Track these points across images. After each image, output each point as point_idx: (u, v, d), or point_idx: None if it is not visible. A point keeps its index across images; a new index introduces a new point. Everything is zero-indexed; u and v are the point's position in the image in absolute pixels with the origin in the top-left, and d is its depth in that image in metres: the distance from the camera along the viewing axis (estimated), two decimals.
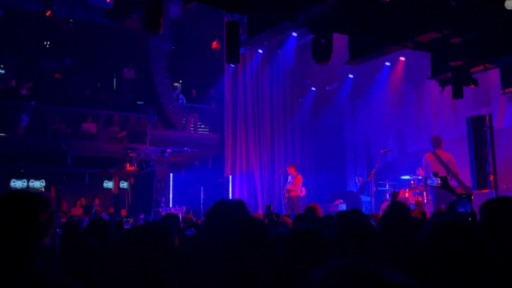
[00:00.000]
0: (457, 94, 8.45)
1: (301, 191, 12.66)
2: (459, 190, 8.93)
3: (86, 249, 3.79)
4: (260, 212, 11.72)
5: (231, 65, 14.97)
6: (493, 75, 11.30)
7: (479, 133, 8.96)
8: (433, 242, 2.05)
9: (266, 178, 15.99)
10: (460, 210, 4.11)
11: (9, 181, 15.59)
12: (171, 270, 2.71)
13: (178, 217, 5.39)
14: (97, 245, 3.88)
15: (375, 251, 2.68)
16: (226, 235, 2.29)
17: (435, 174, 8.92)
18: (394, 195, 7.64)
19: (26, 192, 2.10)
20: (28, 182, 16.16)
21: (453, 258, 2.01)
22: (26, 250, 1.95)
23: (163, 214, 14.35)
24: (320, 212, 6.44)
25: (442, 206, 9.19)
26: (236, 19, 7.04)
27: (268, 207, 6.81)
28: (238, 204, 2.90)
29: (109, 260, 3.47)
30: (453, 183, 9.61)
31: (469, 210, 4.13)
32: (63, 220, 10.39)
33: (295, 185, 12.39)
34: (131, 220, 5.47)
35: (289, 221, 6.78)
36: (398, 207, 5.36)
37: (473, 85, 8.78)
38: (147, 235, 2.53)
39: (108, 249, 3.83)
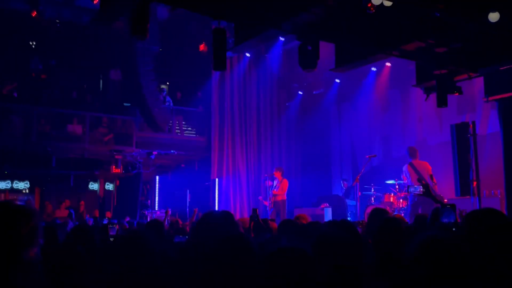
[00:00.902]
0: (442, 102, 8.55)
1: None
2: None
3: (69, 257, 3.74)
4: (246, 216, 11.75)
5: None
6: (478, 82, 11.44)
7: (463, 140, 9.07)
8: (420, 261, 2.09)
9: (252, 181, 16.00)
10: (444, 220, 4.17)
11: None
12: (156, 281, 2.72)
13: (163, 224, 5.39)
14: (81, 253, 3.85)
15: (359, 267, 2.71)
16: (211, 252, 2.30)
17: (419, 181, 9.01)
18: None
19: (8, 204, 2.07)
20: (12, 183, 16.00)
21: (440, 274, 2.08)
22: (7, 264, 1.92)
23: (148, 217, 14.32)
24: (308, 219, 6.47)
25: (419, 211, 9.33)
26: (224, 24, 7.06)
27: (254, 211, 6.82)
28: (225, 217, 2.89)
29: (93, 269, 3.45)
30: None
31: (453, 221, 4.19)
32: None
33: (282, 189, 12.44)
34: (117, 226, 5.45)
35: (275, 225, 6.81)
36: (382, 213, 5.40)
37: (457, 94, 8.89)
38: (129, 248, 2.54)
39: (92, 257, 3.80)
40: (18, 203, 2.18)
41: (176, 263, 3.46)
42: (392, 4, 5.49)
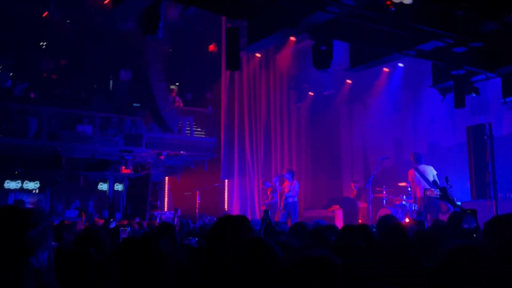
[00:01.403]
0: (459, 103, 8.40)
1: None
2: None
3: (79, 259, 3.66)
4: (256, 218, 11.68)
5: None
6: (491, 83, 11.25)
7: (479, 142, 8.91)
8: (448, 269, 2.03)
9: (262, 183, 15.89)
10: (465, 226, 4.06)
11: (3, 183, 15.45)
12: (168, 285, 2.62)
13: (175, 227, 5.29)
14: (92, 255, 3.76)
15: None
16: (228, 256, 2.20)
17: (435, 184, 8.86)
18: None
19: (16, 207, 2.00)
20: (22, 183, 16.01)
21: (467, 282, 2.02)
22: (14, 268, 1.84)
23: (158, 217, 14.25)
24: None
25: (428, 217, 9.21)
26: (236, 24, 6.96)
27: (266, 212, 6.73)
28: (241, 221, 2.79)
29: (105, 272, 3.36)
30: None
31: (473, 227, 4.08)
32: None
33: (293, 191, 12.34)
34: (127, 229, 5.36)
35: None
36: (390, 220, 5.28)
37: (474, 94, 8.74)
38: (140, 252, 2.44)
39: (103, 260, 3.71)
40: (27, 206, 2.10)
41: (189, 267, 3.37)
42: (412, 2, 5.36)
